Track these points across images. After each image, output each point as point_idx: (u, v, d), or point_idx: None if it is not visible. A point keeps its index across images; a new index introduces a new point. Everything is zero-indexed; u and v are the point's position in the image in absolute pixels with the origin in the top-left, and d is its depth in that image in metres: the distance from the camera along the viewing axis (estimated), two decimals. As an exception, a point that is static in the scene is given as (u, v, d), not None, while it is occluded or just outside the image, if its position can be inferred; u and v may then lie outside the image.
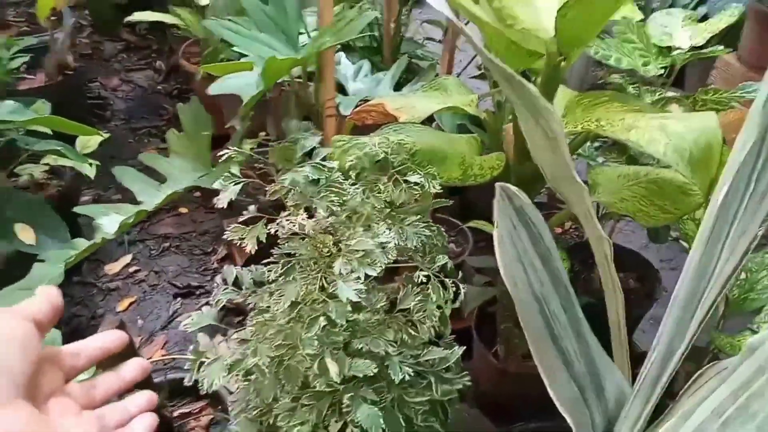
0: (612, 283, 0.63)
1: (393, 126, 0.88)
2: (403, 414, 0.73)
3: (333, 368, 0.68)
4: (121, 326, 1.06)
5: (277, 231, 0.67)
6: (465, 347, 0.74)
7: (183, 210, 2.24)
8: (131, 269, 1.99)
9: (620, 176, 1.07)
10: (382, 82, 1.31)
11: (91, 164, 1.59)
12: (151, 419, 0.50)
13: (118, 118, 2.64)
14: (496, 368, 1.25)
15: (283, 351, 0.69)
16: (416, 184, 0.70)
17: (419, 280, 0.72)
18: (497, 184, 0.55)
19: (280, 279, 0.67)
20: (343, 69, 1.40)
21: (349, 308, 0.64)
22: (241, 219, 0.69)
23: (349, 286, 0.63)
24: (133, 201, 0.99)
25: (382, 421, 0.68)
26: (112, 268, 2.00)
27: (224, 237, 0.67)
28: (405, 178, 0.71)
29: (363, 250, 0.66)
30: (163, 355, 1.69)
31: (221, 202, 0.66)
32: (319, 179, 0.69)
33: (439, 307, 0.75)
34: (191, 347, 0.79)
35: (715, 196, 0.63)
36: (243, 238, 0.66)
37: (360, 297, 0.63)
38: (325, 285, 0.68)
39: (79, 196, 2.10)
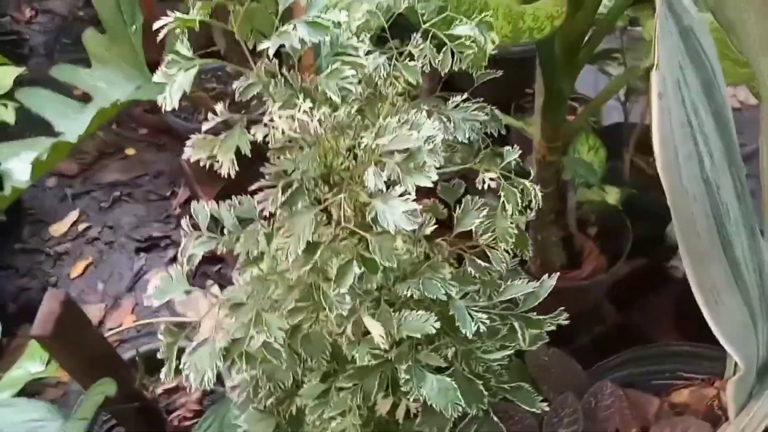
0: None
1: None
2: (476, 376, 0.51)
3: (376, 329, 0.46)
4: (68, 302, 0.82)
5: (266, 138, 0.42)
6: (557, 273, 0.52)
7: (130, 152, 1.95)
8: (80, 227, 1.72)
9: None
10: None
11: (6, 105, 1.31)
12: None
13: (38, 54, 2.26)
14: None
15: (302, 316, 0.46)
16: (468, 39, 0.46)
17: (484, 185, 0.48)
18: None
19: (281, 212, 0.43)
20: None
21: (399, 243, 0.41)
22: (206, 127, 0.44)
23: (396, 208, 0.40)
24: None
25: (458, 393, 0.47)
26: (58, 228, 1.72)
27: (184, 158, 0.42)
28: (450, 32, 0.46)
29: (404, 150, 0.42)
30: (134, 321, 1.45)
31: (170, 99, 0.41)
32: (319, 46, 0.43)
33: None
34: (148, 293, 0.55)
35: None
36: (213, 156, 0.42)
37: (415, 222, 0.40)
38: (348, 212, 0.44)
39: (5, 149, 1.77)
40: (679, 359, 0.68)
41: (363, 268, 0.42)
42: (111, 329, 1.44)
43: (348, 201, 0.43)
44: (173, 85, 0.41)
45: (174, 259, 1.65)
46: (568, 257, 1.11)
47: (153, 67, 0.86)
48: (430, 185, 0.41)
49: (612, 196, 1.00)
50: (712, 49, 0.34)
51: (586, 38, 0.77)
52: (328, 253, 0.45)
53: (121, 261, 1.64)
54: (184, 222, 0.49)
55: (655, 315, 1.29)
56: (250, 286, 0.51)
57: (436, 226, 0.50)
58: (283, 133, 0.42)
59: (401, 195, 0.41)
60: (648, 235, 1.24)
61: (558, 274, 0.51)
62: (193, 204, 0.48)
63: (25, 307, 1.51)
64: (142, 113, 2.05)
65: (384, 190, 0.41)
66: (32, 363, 0.89)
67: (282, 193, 0.41)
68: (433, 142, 0.44)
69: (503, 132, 0.56)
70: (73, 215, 1.76)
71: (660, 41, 0.32)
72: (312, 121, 0.41)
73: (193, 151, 0.42)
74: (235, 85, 0.48)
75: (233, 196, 0.52)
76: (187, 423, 1.03)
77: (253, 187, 0.43)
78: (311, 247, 0.42)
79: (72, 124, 0.67)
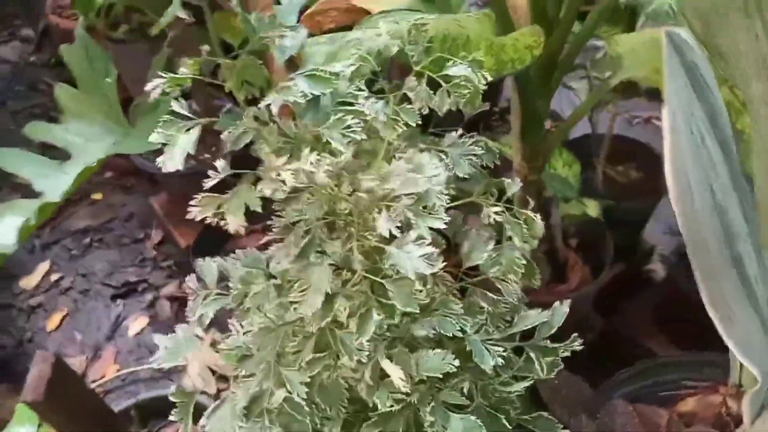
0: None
1: (377, 16, 0.63)
2: (496, 410, 0.51)
3: (396, 373, 0.46)
4: (57, 363, 0.79)
5: (274, 192, 0.41)
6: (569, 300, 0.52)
7: (96, 196, 1.90)
8: (53, 278, 1.67)
9: (645, 42, 0.86)
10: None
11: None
12: None
13: (-12, 104, 2.20)
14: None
15: (319, 367, 0.45)
16: (463, 78, 0.46)
17: (490, 220, 0.49)
18: (664, 30, 0.32)
19: (293, 264, 0.42)
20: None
21: (418, 286, 0.41)
22: (208, 184, 0.43)
23: (413, 253, 0.40)
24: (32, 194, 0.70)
25: (485, 430, 0.46)
26: (29, 281, 1.66)
27: (190, 215, 0.41)
28: (445, 73, 0.46)
29: (414, 194, 0.42)
30: (118, 371, 1.41)
31: (171, 162, 0.40)
32: (318, 99, 0.43)
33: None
34: (156, 356, 0.54)
35: None
36: (220, 213, 0.41)
37: (431, 265, 0.40)
38: (359, 258, 0.44)
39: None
40: (681, 368, 0.70)
41: (382, 315, 0.42)
42: (95, 381, 1.40)
43: (357, 247, 0.43)
44: (175, 147, 0.40)
45: (153, 304, 1.62)
46: (554, 270, 1.12)
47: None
48: (443, 227, 0.42)
49: (592, 209, 1.02)
50: (713, 81, 0.35)
51: (560, 59, 0.79)
52: (342, 300, 0.44)
53: (98, 309, 1.60)
54: (191, 279, 0.48)
55: (639, 319, 1.32)
56: (258, 338, 0.50)
57: (444, 264, 0.50)
58: (289, 184, 0.42)
59: (418, 239, 0.41)
60: (625, 243, 1.27)
61: (568, 301, 0.51)
62: (199, 263, 0.48)
63: (2, 365, 1.46)
64: (107, 156, 2.02)
65: (398, 235, 0.41)
66: (22, 428, 0.86)
67: (295, 246, 0.41)
68: (437, 181, 0.44)
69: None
70: (44, 266, 1.71)
71: (669, 78, 0.33)
72: (319, 172, 0.41)
73: (199, 210, 0.42)
74: (224, 135, 0.48)
75: (234, 250, 0.52)
76: (186, 475, 1.00)
77: (262, 242, 0.43)
78: (329, 299, 0.41)
79: (53, 183, 0.65)
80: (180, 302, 1.54)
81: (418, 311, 0.40)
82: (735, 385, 0.61)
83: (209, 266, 0.47)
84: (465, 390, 0.51)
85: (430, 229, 0.56)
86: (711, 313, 0.41)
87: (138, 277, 1.65)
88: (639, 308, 1.34)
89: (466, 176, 0.51)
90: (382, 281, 0.41)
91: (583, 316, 1.22)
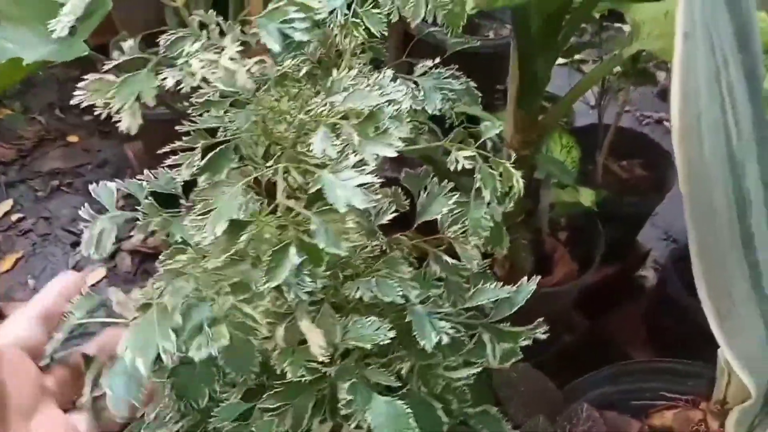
0: None
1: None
2: (435, 397, 0.43)
3: (316, 338, 0.37)
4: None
5: (180, 85, 0.33)
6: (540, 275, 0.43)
7: (72, 139, 1.81)
8: (13, 218, 1.59)
9: (669, 12, 0.78)
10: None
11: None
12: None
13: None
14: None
15: (223, 323, 0.37)
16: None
17: (458, 165, 0.40)
18: None
19: (202, 181, 0.34)
20: None
21: (351, 224, 0.32)
22: (107, 67, 0.34)
23: (349, 181, 0.31)
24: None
25: (413, 420, 0.38)
26: (-12, 218, 1.58)
27: (75, 100, 0.32)
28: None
29: (363, 110, 0.33)
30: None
31: (62, 24, 0.31)
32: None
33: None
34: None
35: None
36: (108, 102, 0.32)
37: (370, 200, 0.31)
38: (284, 186, 0.35)
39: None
40: (661, 377, 0.61)
41: (304, 257, 0.33)
42: (38, 329, 1.32)
43: (292, 172, 0.34)
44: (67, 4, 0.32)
45: (113, 256, 1.53)
46: (538, 261, 1.04)
47: (98, 50, 0.75)
48: (394, 154, 0.33)
49: (586, 197, 0.94)
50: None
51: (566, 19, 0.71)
52: (262, 242, 0.36)
53: (56, 255, 1.51)
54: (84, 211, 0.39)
55: (624, 325, 1.24)
56: (164, 280, 0.41)
57: (395, 213, 0.42)
58: (206, 81, 0.33)
59: (358, 165, 0.32)
60: (618, 242, 1.19)
61: (538, 277, 0.42)
62: (92, 186, 0.39)
63: (-56, 301, 1.37)
64: (88, 98, 1.92)
65: (333, 159, 0.32)
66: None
67: (202, 157, 0.32)
68: (398, 107, 0.36)
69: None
70: (6, 205, 1.62)
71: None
72: (241, 70, 0.33)
73: (89, 96, 0.33)
74: (161, 39, 0.39)
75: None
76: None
77: (164, 149, 0.34)
78: (235, 227, 0.32)
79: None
80: (142, 257, 1.46)
81: (344, 255, 0.32)
82: (719, 401, 0.53)
83: (105, 188, 0.38)
84: (403, 371, 0.42)
85: (391, 183, 0.48)
86: (705, 305, 0.33)
87: (102, 226, 1.57)
88: (626, 314, 1.26)
89: (436, 112, 0.42)
90: (306, 212, 0.32)
91: (563, 313, 1.14)
